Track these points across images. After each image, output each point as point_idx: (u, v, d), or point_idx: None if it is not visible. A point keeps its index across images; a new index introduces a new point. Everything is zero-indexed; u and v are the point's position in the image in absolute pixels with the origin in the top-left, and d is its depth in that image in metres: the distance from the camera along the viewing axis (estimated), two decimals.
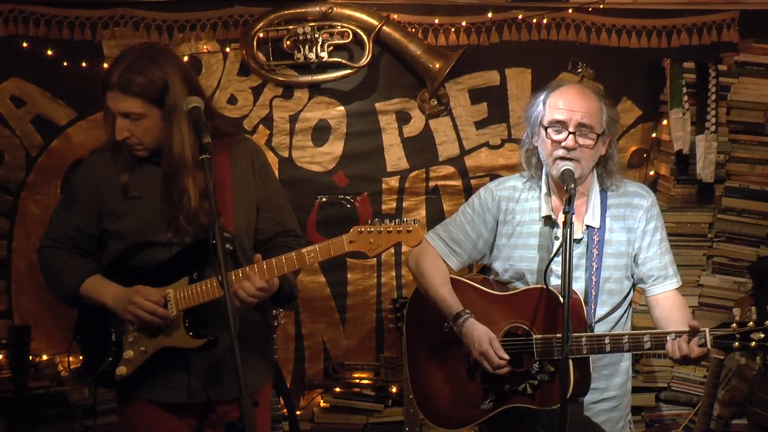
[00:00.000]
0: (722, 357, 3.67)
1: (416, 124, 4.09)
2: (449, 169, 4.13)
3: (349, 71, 3.94)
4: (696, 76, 3.97)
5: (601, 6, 3.99)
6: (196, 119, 2.43)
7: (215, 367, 2.47)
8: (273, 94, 4.01)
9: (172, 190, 2.53)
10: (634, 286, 2.81)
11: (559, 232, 2.72)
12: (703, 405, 3.71)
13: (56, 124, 3.92)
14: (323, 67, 3.94)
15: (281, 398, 3.78)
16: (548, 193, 2.76)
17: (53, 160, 3.94)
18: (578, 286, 2.65)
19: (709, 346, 2.45)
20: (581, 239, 2.71)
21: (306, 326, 4.17)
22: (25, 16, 3.82)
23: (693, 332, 2.47)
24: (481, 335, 2.64)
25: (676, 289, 2.75)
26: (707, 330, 2.45)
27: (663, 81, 4.03)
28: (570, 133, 2.62)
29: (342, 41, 3.90)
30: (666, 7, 4.08)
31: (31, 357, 3.77)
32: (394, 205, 4.13)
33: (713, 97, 3.96)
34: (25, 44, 3.82)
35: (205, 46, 3.92)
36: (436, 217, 3.98)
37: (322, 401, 4.14)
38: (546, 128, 2.66)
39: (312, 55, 3.88)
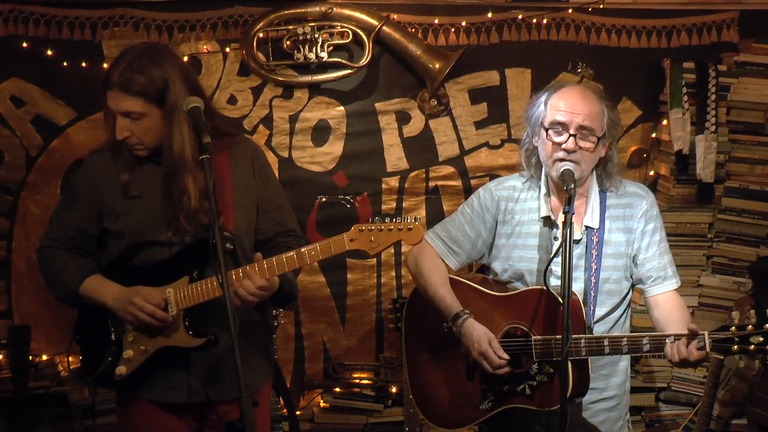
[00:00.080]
0: (722, 357, 3.66)
1: (416, 124, 4.09)
2: (449, 169, 4.13)
3: (349, 71, 3.94)
4: (696, 76, 3.97)
5: (601, 6, 3.99)
6: (196, 119, 2.43)
7: (215, 367, 2.47)
8: (273, 94, 4.01)
9: (172, 189, 2.54)
10: (633, 286, 2.81)
11: (558, 232, 2.71)
12: (703, 405, 3.71)
13: (56, 124, 3.93)
14: (323, 67, 3.94)
15: (281, 398, 3.78)
16: (547, 194, 2.76)
17: (53, 160, 3.94)
18: (577, 286, 2.65)
19: (708, 349, 2.45)
20: (580, 240, 2.71)
21: (306, 326, 4.17)
22: (25, 16, 3.82)
23: (692, 335, 2.47)
24: (481, 335, 2.65)
25: (676, 289, 2.75)
26: (706, 333, 2.46)
27: (663, 81, 4.03)
28: (571, 135, 2.61)
29: (342, 41, 3.90)
30: (666, 7, 4.08)
31: (31, 357, 3.78)
32: (394, 205, 4.13)
33: (713, 97, 3.96)
34: (25, 44, 3.82)
35: (205, 46, 3.92)
36: (436, 217, 3.98)
37: (322, 401, 4.14)
38: (547, 129, 2.66)
39: (312, 55, 3.89)
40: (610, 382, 2.78)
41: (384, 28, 3.90)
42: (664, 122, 4.05)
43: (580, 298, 2.65)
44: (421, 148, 4.11)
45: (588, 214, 2.72)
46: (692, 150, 3.96)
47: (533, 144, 2.76)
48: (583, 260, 2.70)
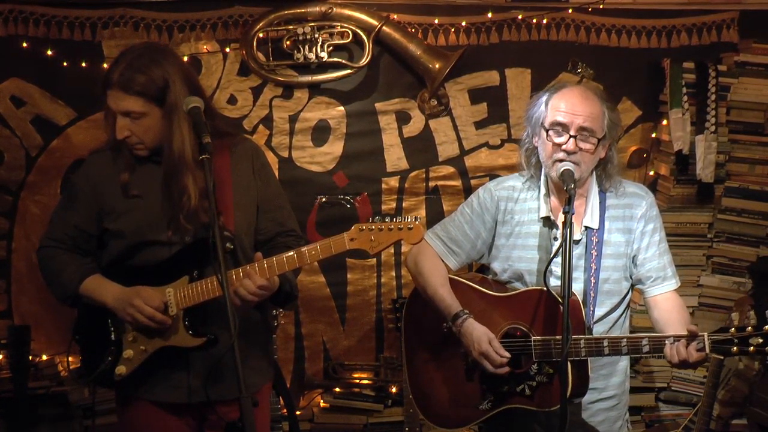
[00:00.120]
0: (722, 357, 3.67)
1: (416, 124, 4.09)
2: (449, 169, 4.13)
3: (349, 71, 3.94)
4: (696, 76, 3.97)
5: (601, 6, 3.99)
6: (196, 119, 2.43)
7: (215, 367, 2.47)
8: (273, 94, 4.01)
9: (172, 188, 2.54)
10: (632, 286, 2.81)
11: (558, 232, 2.72)
12: (703, 405, 3.71)
13: (56, 124, 3.92)
14: (323, 67, 3.94)
15: (281, 398, 3.78)
16: (547, 194, 2.76)
17: (53, 160, 3.94)
18: (577, 286, 2.64)
19: (707, 350, 2.46)
20: (580, 240, 2.71)
21: (306, 326, 4.17)
22: (25, 16, 3.82)
23: (691, 337, 2.47)
24: (481, 335, 2.65)
25: (675, 290, 2.75)
26: (706, 335, 2.46)
27: (663, 81, 4.03)
28: (571, 136, 2.61)
29: (342, 41, 3.90)
30: (666, 7, 4.07)
31: (31, 357, 3.78)
32: (393, 205, 4.13)
33: (713, 97, 3.96)
34: (25, 44, 3.82)
35: (205, 46, 3.92)
36: (436, 217, 3.97)
37: (321, 401, 4.14)
38: (547, 130, 2.66)
39: (312, 55, 3.89)
40: (609, 382, 2.78)
41: (384, 28, 3.90)
42: (664, 122, 4.05)
43: (580, 298, 2.65)
44: (421, 148, 4.11)
45: (587, 214, 2.72)
46: (692, 150, 3.96)
47: (533, 144, 2.76)
48: (583, 260, 2.70)
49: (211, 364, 2.50)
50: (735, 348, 2.42)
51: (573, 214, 2.49)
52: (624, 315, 2.80)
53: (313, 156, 4.07)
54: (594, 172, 2.75)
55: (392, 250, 4.14)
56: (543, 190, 2.76)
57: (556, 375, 2.61)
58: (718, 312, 4.14)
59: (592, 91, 2.70)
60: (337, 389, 4.15)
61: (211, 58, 3.94)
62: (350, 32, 3.89)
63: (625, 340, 2.57)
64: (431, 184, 4.14)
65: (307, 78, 3.96)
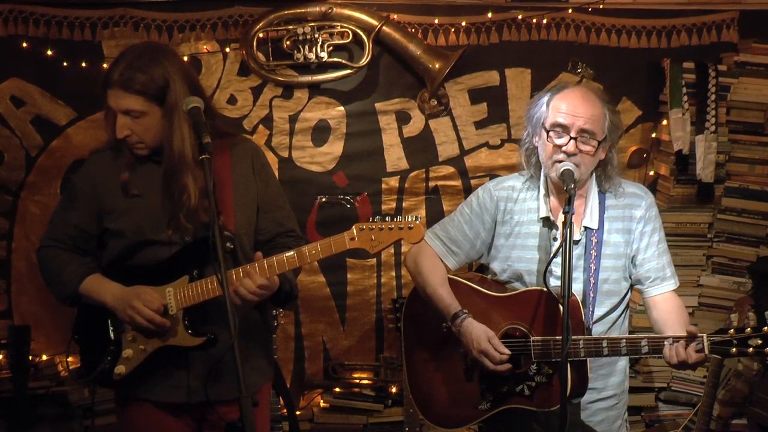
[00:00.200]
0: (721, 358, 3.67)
1: (416, 124, 4.09)
2: (449, 169, 4.13)
3: (349, 71, 3.94)
4: (696, 76, 3.96)
5: (601, 6, 3.99)
6: (196, 119, 2.43)
7: (215, 367, 2.47)
8: (273, 94, 4.01)
9: (172, 188, 2.54)
10: (632, 286, 2.81)
11: (557, 233, 2.71)
12: (703, 405, 3.71)
13: (56, 124, 3.92)
14: (323, 67, 3.94)
15: (281, 398, 3.78)
16: (547, 194, 2.76)
17: (53, 160, 3.94)
18: (576, 287, 2.64)
19: (706, 351, 2.46)
20: (579, 240, 2.71)
21: (306, 326, 4.17)
22: (25, 16, 3.82)
23: (691, 338, 2.47)
24: (480, 333, 2.64)
25: (674, 290, 2.75)
26: (705, 336, 2.46)
27: (663, 81, 4.03)
28: (571, 138, 2.61)
29: (342, 41, 3.90)
30: (666, 7, 4.07)
31: (31, 357, 3.78)
32: (394, 205, 4.13)
33: (713, 97, 3.96)
34: (25, 44, 3.82)
35: (205, 46, 3.92)
36: (436, 217, 3.96)
37: (321, 401, 4.14)
38: (548, 131, 2.65)
39: (312, 55, 3.88)
40: (608, 382, 2.78)
41: (384, 28, 3.90)
42: (664, 122, 4.05)
43: (579, 298, 2.66)
44: (421, 148, 4.11)
45: (587, 214, 2.72)
46: (692, 150, 3.96)
47: (533, 144, 2.76)
48: (582, 261, 2.70)
49: (211, 363, 2.50)
50: (734, 349, 2.42)
51: (573, 213, 2.49)
52: (623, 315, 2.80)
53: (313, 156, 4.07)
54: (594, 173, 2.75)
55: (392, 250, 4.14)
56: (542, 191, 2.76)
57: (555, 375, 2.61)
58: (718, 312, 4.14)
59: (593, 93, 2.70)
60: (337, 389, 4.15)
61: (211, 58, 3.94)
62: (350, 32, 3.89)
63: (624, 340, 2.57)
64: (431, 184, 4.14)
65: (307, 78, 3.96)
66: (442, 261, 2.86)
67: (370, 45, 3.89)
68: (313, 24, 3.86)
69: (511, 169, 3.68)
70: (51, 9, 3.83)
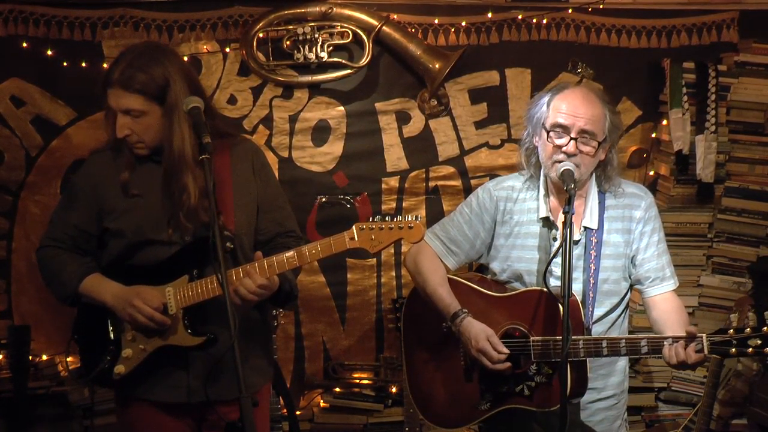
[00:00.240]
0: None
1: (416, 124, 4.09)
2: (449, 169, 4.13)
3: (349, 71, 3.94)
4: (696, 76, 3.96)
5: (601, 6, 3.99)
6: (196, 119, 2.43)
7: (215, 367, 2.47)
8: (273, 94, 4.01)
9: (172, 187, 2.54)
10: (631, 287, 2.81)
11: (557, 233, 2.71)
12: (703, 405, 3.71)
13: (56, 124, 3.92)
14: (323, 67, 3.94)
15: (281, 398, 3.78)
16: (546, 195, 2.76)
17: (53, 160, 3.94)
18: (576, 287, 2.64)
19: (705, 352, 2.45)
20: (579, 240, 2.71)
21: (306, 326, 4.17)
22: (25, 16, 3.82)
23: (690, 338, 2.47)
24: (478, 332, 2.64)
25: (674, 290, 2.75)
26: (704, 336, 2.46)
27: (663, 81, 4.03)
28: (572, 138, 2.61)
29: (342, 41, 3.90)
30: (666, 7, 4.07)
31: (31, 357, 3.78)
32: (394, 205, 4.13)
33: (713, 97, 3.96)
34: (25, 44, 3.82)
35: (205, 46, 3.92)
36: (436, 218, 3.96)
37: (321, 401, 4.14)
38: (548, 131, 2.65)
39: (312, 55, 3.88)
40: (608, 382, 2.78)
41: (384, 28, 3.90)
42: (664, 122, 4.05)
43: (579, 298, 2.65)
44: (421, 148, 4.11)
45: (587, 215, 2.72)
46: (692, 150, 3.96)
47: (533, 144, 2.75)
48: (582, 261, 2.70)
49: (211, 363, 2.50)
50: (733, 349, 2.41)
51: (573, 213, 2.49)
52: (623, 315, 2.80)
53: (313, 156, 4.07)
54: (593, 174, 2.74)
55: (392, 250, 4.14)
56: (542, 191, 2.76)
57: (555, 375, 2.61)
58: (718, 312, 4.14)
59: (594, 94, 2.70)
60: (337, 389, 4.15)
61: (211, 58, 3.94)
62: (350, 32, 3.88)
63: (623, 340, 2.57)
64: (431, 184, 4.14)
65: (307, 78, 3.96)
66: (441, 261, 2.86)
67: (370, 45, 3.89)
68: (313, 24, 3.86)
69: (511, 169, 3.67)
70: (51, 9, 3.83)
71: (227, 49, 3.93)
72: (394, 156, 4.10)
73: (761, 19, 4.05)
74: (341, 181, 4.09)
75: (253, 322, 2.68)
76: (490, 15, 3.99)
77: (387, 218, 2.42)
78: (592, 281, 2.68)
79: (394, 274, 4.17)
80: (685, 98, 3.95)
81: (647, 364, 4.13)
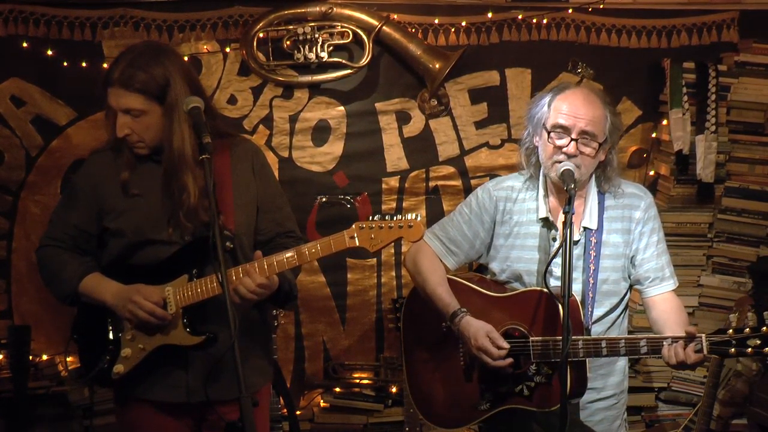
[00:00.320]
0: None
1: (416, 124, 4.09)
2: (449, 169, 4.13)
3: (349, 71, 3.94)
4: (696, 76, 3.96)
5: (601, 6, 3.99)
6: (197, 119, 2.43)
7: (214, 367, 2.47)
8: (273, 94, 4.01)
9: (172, 186, 2.54)
10: (631, 287, 2.81)
11: (556, 233, 2.71)
12: (703, 405, 3.70)
13: (56, 124, 3.92)
14: (323, 67, 3.94)
15: (281, 398, 3.77)
16: (546, 195, 2.76)
17: (53, 160, 3.94)
18: (575, 287, 2.64)
19: (705, 352, 2.45)
20: (578, 241, 2.71)
21: (306, 326, 4.17)
22: (25, 16, 3.82)
23: (689, 338, 2.47)
24: (477, 330, 2.64)
25: (673, 290, 2.75)
26: (703, 336, 2.46)
27: (663, 81, 4.03)
28: (572, 139, 2.61)
29: (342, 41, 3.90)
30: (666, 7, 4.07)
31: (31, 357, 3.78)
32: (394, 205, 4.13)
33: (713, 97, 3.96)
34: (25, 44, 3.82)
35: (205, 46, 3.92)
36: (436, 218, 3.94)
37: (322, 401, 4.14)
38: (549, 132, 2.65)
39: (312, 55, 3.88)
40: (607, 382, 2.78)
41: (384, 28, 3.90)
42: (664, 122, 4.05)
43: (578, 298, 2.65)
44: (421, 148, 4.10)
45: (586, 215, 2.72)
46: (692, 150, 3.96)
47: (533, 143, 2.75)
48: (582, 261, 2.70)
49: (211, 363, 2.50)
50: (733, 349, 2.41)
51: (573, 213, 2.49)
52: (622, 315, 2.80)
53: (313, 156, 4.07)
54: (593, 174, 2.74)
55: (392, 250, 4.14)
56: (541, 192, 2.76)
57: (554, 375, 2.61)
58: (719, 312, 4.14)
59: (595, 94, 2.69)
60: (337, 389, 4.15)
61: (211, 58, 3.94)
62: (350, 32, 3.88)
63: (623, 341, 2.57)
64: (431, 184, 4.13)
65: (307, 78, 3.96)
66: (441, 261, 2.86)
67: (370, 45, 3.89)
68: (313, 24, 3.86)
69: (511, 169, 3.67)
70: (51, 9, 3.83)
71: (227, 49, 3.93)
72: (394, 156, 4.10)
73: (761, 19, 4.05)
74: (341, 181, 4.09)
75: (253, 322, 2.68)
76: (490, 15, 3.99)
77: (387, 217, 2.42)
78: (591, 281, 2.68)
79: (394, 274, 4.17)
80: (685, 98, 3.95)
81: (647, 364, 4.13)
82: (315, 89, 4.01)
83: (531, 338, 2.64)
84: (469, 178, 4.13)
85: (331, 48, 3.90)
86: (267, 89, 4.00)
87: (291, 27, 3.87)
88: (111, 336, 2.60)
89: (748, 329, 2.41)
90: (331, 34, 3.90)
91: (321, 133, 4.06)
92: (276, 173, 3.70)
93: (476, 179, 4.10)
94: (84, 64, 3.80)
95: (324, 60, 3.90)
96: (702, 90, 3.96)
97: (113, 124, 2.55)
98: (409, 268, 2.91)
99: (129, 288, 2.53)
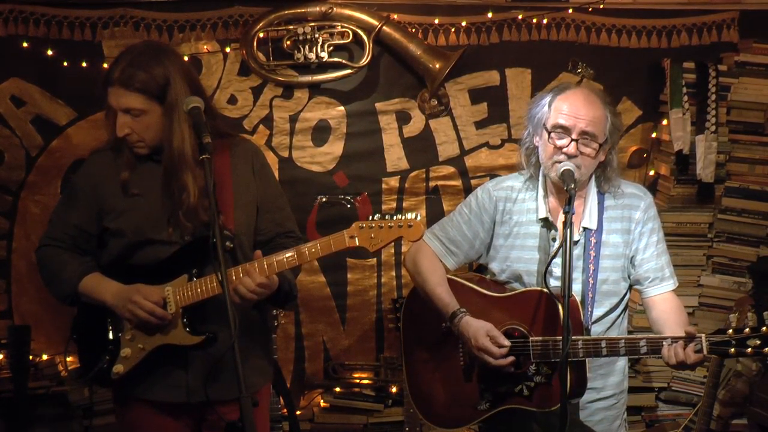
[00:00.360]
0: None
1: (416, 124, 4.09)
2: (449, 169, 4.13)
3: (349, 71, 3.94)
4: (696, 76, 3.96)
5: (601, 6, 3.99)
6: (197, 119, 2.43)
7: (214, 367, 2.47)
8: (273, 94, 4.01)
9: (172, 186, 2.54)
10: (631, 287, 2.81)
11: (556, 233, 2.71)
12: (703, 405, 3.70)
13: (56, 124, 3.93)
14: (323, 67, 3.94)
15: (281, 398, 3.77)
16: (545, 195, 2.76)
17: (53, 160, 3.94)
18: (575, 287, 2.64)
19: (705, 352, 2.45)
20: (578, 241, 2.71)
21: (306, 326, 4.17)
22: (25, 16, 3.82)
23: (689, 338, 2.46)
24: (477, 329, 2.64)
25: (673, 290, 2.75)
26: (703, 336, 2.45)
27: (663, 81, 4.03)
28: (573, 140, 2.61)
29: (342, 41, 3.90)
30: (666, 7, 4.07)
31: (31, 357, 3.78)
32: (394, 205, 4.13)
33: (713, 97, 3.96)
34: (25, 44, 3.82)
35: (205, 46, 3.92)
36: (436, 218, 3.93)
37: (322, 401, 4.14)
38: (549, 132, 2.65)
39: (312, 55, 3.89)
40: (607, 382, 2.78)
41: (384, 28, 3.90)
42: (664, 122, 4.05)
43: (578, 299, 2.65)
44: (421, 148, 4.11)
45: (586, 215, 2.72)
46: (692, 150, 3.96)
47: (533, 143, 2.75)
48: (581, 261, 2.69)
49: (211, 363, 2.50)
50: (732, 349, 2.41)
51: (573, 213, 2.49)
52: (622, 315, 2.80)
53: (314, 156, 4.07)
54: (593, 175, 2.74)
55: (392, 250, 4.14)
56: (541, 191, 2.76)
57: (554, 375, 2.61)
58: (719, 312, 4.14)
59: (596, 95, 2.69)
60: (337, 389, 4.15)
61: (212, 58, 3.94)
62: (350, 32, 3.89)
63: (623, 341, 2.57)
64: (431, 184, 4.14)
65: (308, 78, 3.96)
66: (441, 261, 2.86)
67: (371, 45, 3.89)
68: (313, 24, 3.87)
69: (511, 169, 3.66)
70: (51, 9, 3.83)
71: (227, 49, 3.93)
72: (395, 156, 4.10)
73: (761, 19, 4.05)
74: (341, 181, 4.09)
75: (252, 322, 2.68)
76: (490, 15, 3.99)
77: (386, 217, 2.41)
78: (591, 281, 2.68)
79: (394, 274, 4.17)
80: (686, 98, 3.95)
81: (647, 364, 4.13)
82: (315, 89, 4.01)
83: (531, 338, 2.64)
84: (469, 178, 4.13)
85: (331, 48, 3.90)
86: (267, 89, 4.00)
87: (291, 27, 3.87)
88: (110, 336, 2.59)
89: (747, 329, 2.41)
90: (331, 34, 3.90)
91: (321, 133, 4.06)
92: (276, 173, 3.70)
93: (476, 179, 4.10)
94: (84, 64, 3.80)
95: (324, 60, 3.90)
96: (702, 90, 3.96)
97: (113, 124, 2.55)
98: (408, 268, 2.91)
99: (129, 288, 2.53)
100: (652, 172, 4.19)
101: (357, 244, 2.42)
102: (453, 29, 4.00)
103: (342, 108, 4.04)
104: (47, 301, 3.83)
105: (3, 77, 3.87)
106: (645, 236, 2.73)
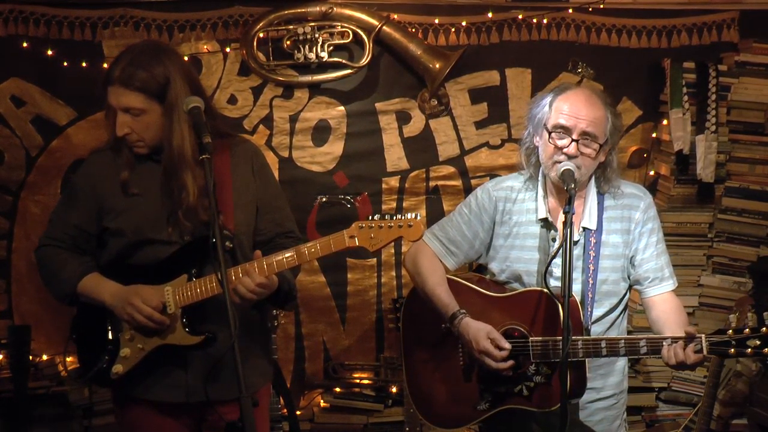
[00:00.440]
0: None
1: (416, 124, 4.09)
2: (449, 169, 4.13)
3: (349, 71, 3.94)
4: (696, 76, 3.96)
5: (601, 6, 3.99)
6: (197, 119, 2.43)
7: (214, 367, 2.47)
8: (273, 94, 4.01)
9: (171, 186, 2.54)
10: (630, 287, 2.81)
11: (556, 234, 2.71)
12: (703, 405, 3.71)
13: (56, 124, 3.93)
14: (323, 67, 3.94)
15: (281, 398, 3.77)
16: (545, 195, 2.75)
17: (53, 160, 3.94)
18: (575, 287, 2.63)
19: (704, 352, 2.45)
20: (578, 241, 2.71)
21: (306, 326, 4.17)
22: (25, 16, 3.82)
23: (689, 338, 2.46)
24: (477, 332, 2.64)
25: (673, 290, 2.75)
26: (703, 336, 2.45)
27: (663, 81, 4.03)
28: (573, 140, 2.61)
29: (342, 41, 3.90)
30: (666, 7, 4.07)
31: (31, 357, 3.78)
32: (394, 205, 4.13)
33: (713, 97, 3.96)
34: (25, 44, 3.82)
35: (205, 46, 3.92)
36: (436, 218, 3.93)
37: (322, 401, 4.14)
38: (549, 132, 2.65)
39: (312, 55, 3.88)
40: (607, 382, 2.78)
41: (384, 28, 3.90)
42: (665, 122, 4.05)
43: (578, 299, 2.65)
44: (421, 148, 4.10)
45: (586, 215, 2.72)
46: (692, 150, 3.96)
47: (534, 143, 2.75)
48: (581, 261, 2.69)
49: (210, 363, 2.49)
50: (732, 350, 2.41)
51: (573, 213, 2.49)
52: (622, 315, 2.80)
53: (314, 156, 4.07)
54: (593, 175, 2.74)
55: (392, 250, 4.14)
56: (541, 192, 2.76)
57: (554, 375, 2.61)
58: (719, 312, 4.14)
59: (596, 95, 2.69)
60: (337, 389, 4.15)
61: (212, 58, 3.94)
62: (350, 32, 3.89)
63: (622, 341, 2.57)
64: (431, 184, 4.13)
65: (308, 78, 3.96)
66: (440, 261, 2.86)
67: (371, 45, 3.89)
68: (313, 24, 3.87)
69: (512, 169, 3.66)
70: (51, 9, 3.83)
71: (227, 49, 3.93)
72: (395, 156, 4.10)
73: (761, 19, 4.05)
74: (341, 181, 4.09)
75: (252, 322, 2.68)
76: (490, 15, 3.99)
77: (386, 216, 2.41)
78: (591, 282, 2.68)
79: (394, 274, 4.17)
80: (686, 98, 3.95)
81: (647, 364, 4.13)
82: (315, 89, 4.01)
83: (531, 338, 2.64)
84: (469, 178, 4.13)
85: (331, 48, 3.90)
86: (267, 89, 4.00)
87: (291, 27, 3.87)
88: (110, 336, 2.59)
89: (747, 329, 2.41)
90: (331, 34, 3.90)
91: (321, 133, 4.06)
92: (276, 173, 3.70)
93: (476, 179, 4.10)
94: (84, 64, 3.80)
95: (324, 60, 3.90)
96: (702, 90, 3.96)
97: (113, 124, 2.55)
98: (408, 269, 2.91)
99: (128, 289, 2.53)
100: (652, 172, 4.19)
101: (357, 244, 2.42)
102: (453, 29, 4.00)
103: (342, 108, 4.04)
104: (47, 301, 3.83)
105: (3, 77, 3.87)
106: (645, 236, 2.73)
